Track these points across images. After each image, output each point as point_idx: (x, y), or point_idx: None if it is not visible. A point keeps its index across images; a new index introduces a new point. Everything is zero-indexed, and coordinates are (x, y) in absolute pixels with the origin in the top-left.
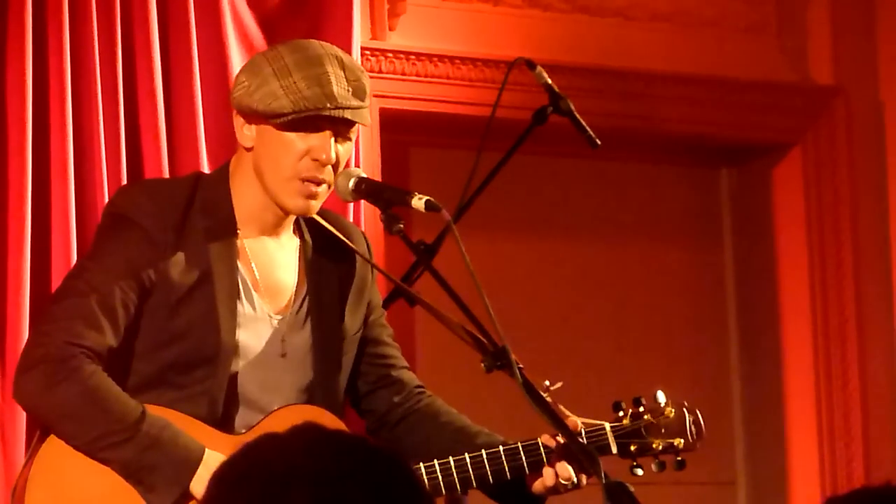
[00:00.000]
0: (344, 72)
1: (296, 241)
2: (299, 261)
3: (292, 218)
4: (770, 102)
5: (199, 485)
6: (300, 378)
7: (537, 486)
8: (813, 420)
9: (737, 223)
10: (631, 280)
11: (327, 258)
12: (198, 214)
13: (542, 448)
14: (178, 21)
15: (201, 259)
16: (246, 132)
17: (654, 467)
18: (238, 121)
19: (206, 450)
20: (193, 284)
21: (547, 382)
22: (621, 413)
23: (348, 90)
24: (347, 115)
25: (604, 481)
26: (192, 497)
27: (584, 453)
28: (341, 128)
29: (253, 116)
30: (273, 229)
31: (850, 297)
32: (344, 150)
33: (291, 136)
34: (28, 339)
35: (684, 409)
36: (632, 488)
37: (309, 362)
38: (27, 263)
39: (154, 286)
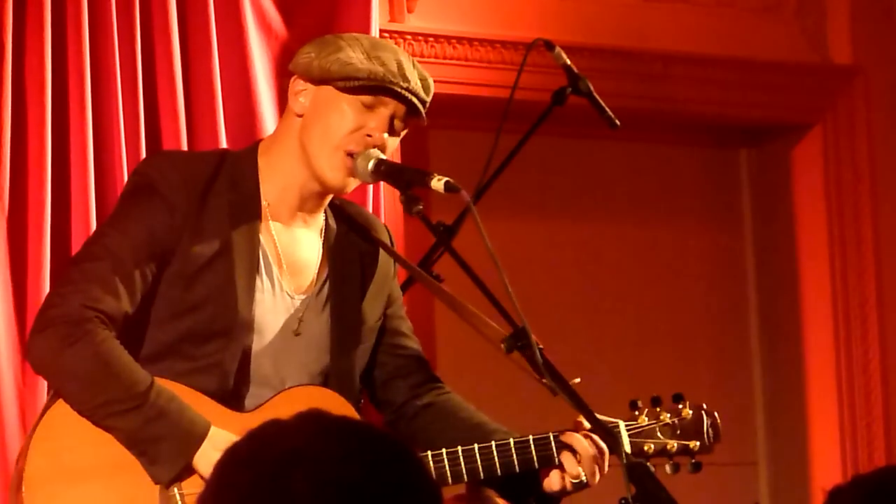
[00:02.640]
0: (415, 69)
1: (321, 224)
2: (323, 244)
3: (324, 204)
4: (789, 82)
5: (202, 460)
6: (315, 361)
7: (556, 480)
8: (834, 400)
9: (756, 204)
10: (650, 261)
11: (350, 246)
12: (222, 188)
13: (553, 442)
14: (196, 3)
15: (222, 232)
16: (301, 99)
17: (667, 469)
18: (295, 86)
19: (212, 426)
20: (212, 256)
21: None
22: (637, 412)
23: (419, 84)
24: (415, 100)
25: (624, 461)
26: (194, 471)
27: (604, 435)
28: (397, 121)
29: (318, 77)
30: (302, 208)
31: (871, 277)
32: (391, 142)
33: (350, 108)
34: (45, 300)
35: (703, 412)
36: (652, 468)
37: (326, 346)
38: (47, 250)
39: (173, 256)
